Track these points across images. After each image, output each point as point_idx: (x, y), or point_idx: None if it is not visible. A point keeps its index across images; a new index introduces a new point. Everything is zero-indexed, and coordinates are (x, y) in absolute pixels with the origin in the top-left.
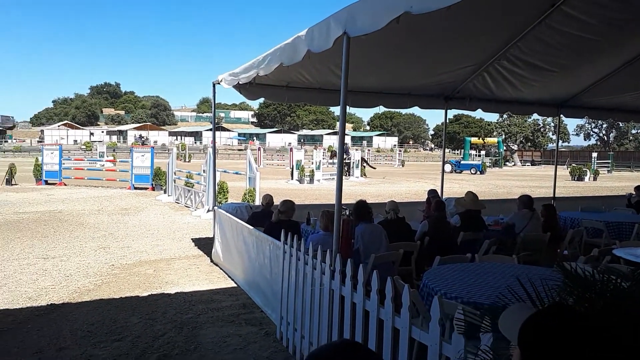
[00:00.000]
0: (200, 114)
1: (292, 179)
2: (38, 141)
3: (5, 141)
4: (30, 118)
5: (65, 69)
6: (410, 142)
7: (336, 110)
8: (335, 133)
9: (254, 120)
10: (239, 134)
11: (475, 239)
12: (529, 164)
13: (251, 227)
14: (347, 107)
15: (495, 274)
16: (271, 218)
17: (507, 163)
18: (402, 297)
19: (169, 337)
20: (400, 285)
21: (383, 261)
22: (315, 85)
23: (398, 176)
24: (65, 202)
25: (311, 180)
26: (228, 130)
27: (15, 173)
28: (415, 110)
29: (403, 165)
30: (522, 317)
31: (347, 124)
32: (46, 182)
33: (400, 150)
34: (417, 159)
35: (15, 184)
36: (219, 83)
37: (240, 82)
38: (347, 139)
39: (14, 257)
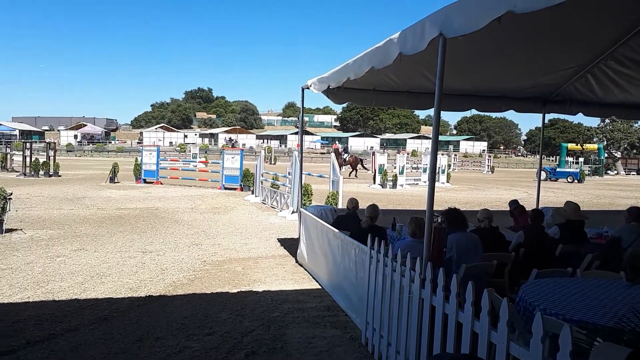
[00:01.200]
0: (286, 118)
1: (374, 183)
2: (137, 142)
3: (110, 142)
4: (131, 121)
5: (162, 75)
6: (501, 147)
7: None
8: (419, 137)
9: (337, 124)
10: (322, 138)
11: (576, 253)
12: (634, 172)
13: (336, 230)
14: (428, 109)
15: (601, 291)
16: (356, 222)
17: (609, 171)
18: (499, 311)
19: (257, 334)
20: (497, 299)
21: (475, 272)
22: (404, 89)
23: (487, 183)
24: (162, 200)
25: (394, 185)
26: (312, 134)
27: (117, 172)
28: (508, 114)
29: (492, 172)
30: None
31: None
32: (144, 181)
33: (489, 156)
34: (507, 165)
35: (118, 182)
36: (308, 88)
37: (330, 87)
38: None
39: (117, 250)
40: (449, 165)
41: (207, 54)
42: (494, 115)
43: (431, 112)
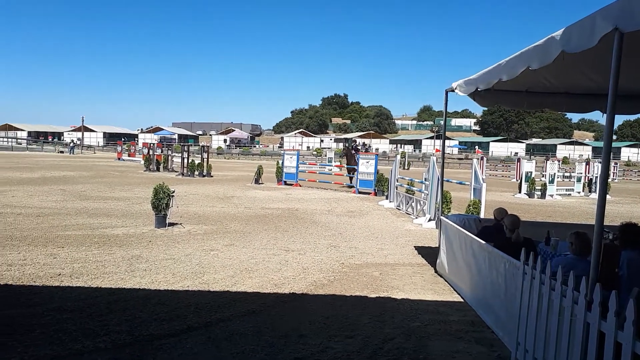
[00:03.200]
0: (421, 122)
1: (519, 192)
2: (278, 147)
3: (254, 146)
4: (273, 126)
5: (301, 83)
6: None
7: (574, 117)
8: (571, 142)
9: (477, 127)
10: (460, 142)
11: None
12: None
13: (483, 242)
14: (588, 112)
15: None
16: (503, 233)
17: None
18: None
19: (397, 342)
20: None
21: None
22: (561, 90)
23: None
24: (301, 202)
25: (542, 195)
26: (449, 138)
27: (262, 174)
28: None
29: None
30: None
31: (586, 132)
32: (285, 183)
33: None
34: None
35: (262, 184)
36: (452, 90)
37: (478, 89)
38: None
39: (262, 247)
40: (609, 175)
41: (344, 61)
42: None
43: (587, 115)
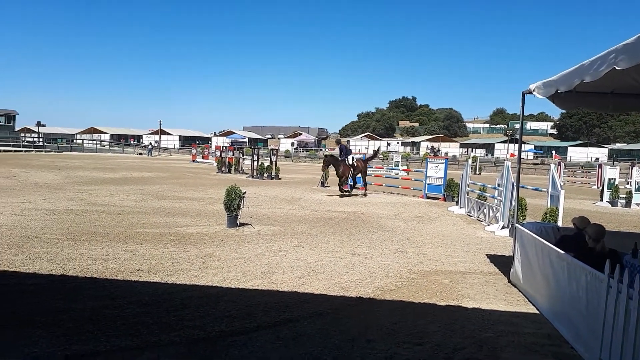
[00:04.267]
0: (493, 126)
1: (601, 200)
2: None
3: (320, 149)
4: (339, 130)
5: (368, 86)
6: None
7: None
8: None
9: (553, 131)
10: (535, 147)
11: None
12: None
13: (562, 252)
14: None
15: None
16: (585, 243)
17: None
18: None
19: (468, 352)
20: None
21: None
22: None
23: None
24: (367, 205)
25: (627, 204)
26: (524, 142)
27: (328, 177)
28: None
29: None
30: None
31: None
32: (351, 186)
33: None
34: None
35: (328, 187)
36: (530, 93)
37: (558, 91)
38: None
39: (328, 249)
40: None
41: (412, 64)
42: None
43: None
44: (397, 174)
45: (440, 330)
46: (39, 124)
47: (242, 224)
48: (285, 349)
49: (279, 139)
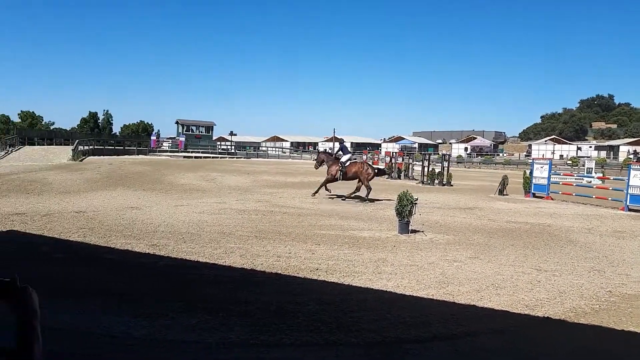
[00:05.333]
0: None
1: None
2: (525, 155)
3: (497, 154)
4: (519, 133)
5: (554, 85)
6: None
7: None
8: None
9: None
10: None
11: None
12: None
13: None
14: None
15: None
16: None
17: None
18: None
19: None
20: None
21: None
22: None
23: None
24: (553, 217)
25: None
26: None
27: (507, 184)
28: None
29: None
30: None
31: None
32: (534, 195)
33: None
34: None
35: (506, 195)
36: None
37: None
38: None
39: (509, 263)
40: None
41: (609, 59)
42: None
43: None
44: (590, 182)
45: None
46: (231, 134)
47: (414, 231)
48: None
49: (450, 144)
